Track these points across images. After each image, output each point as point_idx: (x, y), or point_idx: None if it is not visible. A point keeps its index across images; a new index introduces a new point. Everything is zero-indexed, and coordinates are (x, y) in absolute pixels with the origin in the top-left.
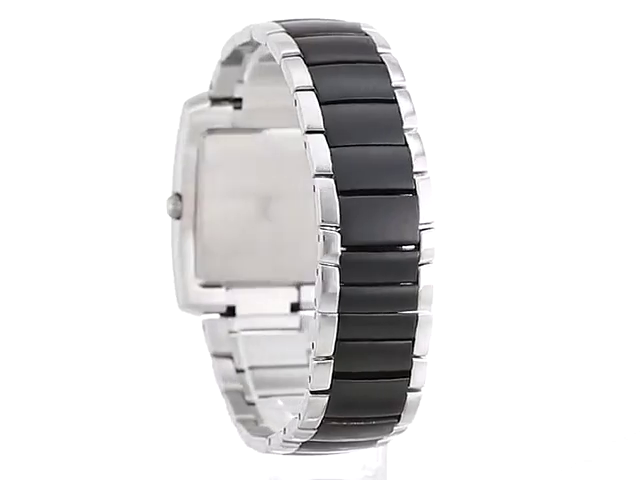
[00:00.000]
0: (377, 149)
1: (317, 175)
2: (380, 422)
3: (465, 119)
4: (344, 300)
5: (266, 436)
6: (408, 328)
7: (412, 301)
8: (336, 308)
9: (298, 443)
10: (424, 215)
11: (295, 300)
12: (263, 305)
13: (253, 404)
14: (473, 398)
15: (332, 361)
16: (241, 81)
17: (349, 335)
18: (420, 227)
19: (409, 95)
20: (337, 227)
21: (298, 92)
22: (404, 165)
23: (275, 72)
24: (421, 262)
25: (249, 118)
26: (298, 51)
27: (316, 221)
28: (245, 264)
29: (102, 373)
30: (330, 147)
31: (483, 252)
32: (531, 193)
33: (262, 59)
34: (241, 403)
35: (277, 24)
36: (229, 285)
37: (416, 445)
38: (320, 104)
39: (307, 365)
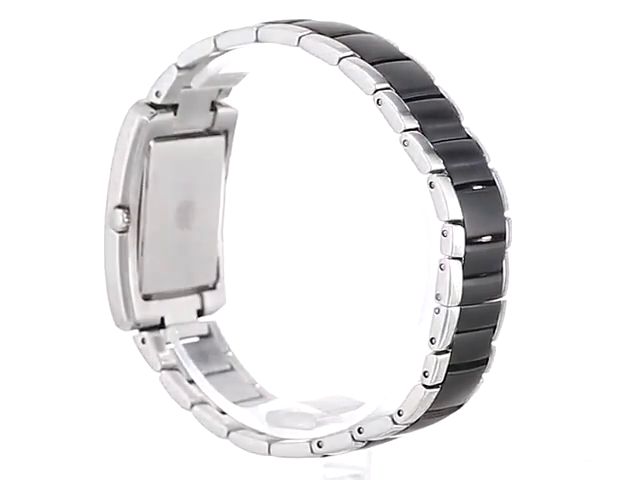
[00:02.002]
0: (459, 143)
1: (433, 172)
2: (452, 411)
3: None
4: (465, 293)
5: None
6: (495, 316)
7: (500, 289)
8: (459, 301)
9: (364, 442)
10: (506, 205)
11: (199, 307)
12: (179, 314)
13: (224, 413)
14: None
15: (449, 354)
16: (188, 87)
17: (464, 327)
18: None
19: (445, 90)
20: (460, 222)
21: (380, 92)
22: (481, 157)
23: (234, 78)
24: (506, 250)
25: (183, 123)
26: (352, 52)
27: (438, 216)
28: (169, 273)
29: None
30: (431, 143)
31: None
32: (531, 192)
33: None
34: (217, 413)
35: (292, 24)
36: (159, 296)
37: (399, 444)
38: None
39: (231, 369)
